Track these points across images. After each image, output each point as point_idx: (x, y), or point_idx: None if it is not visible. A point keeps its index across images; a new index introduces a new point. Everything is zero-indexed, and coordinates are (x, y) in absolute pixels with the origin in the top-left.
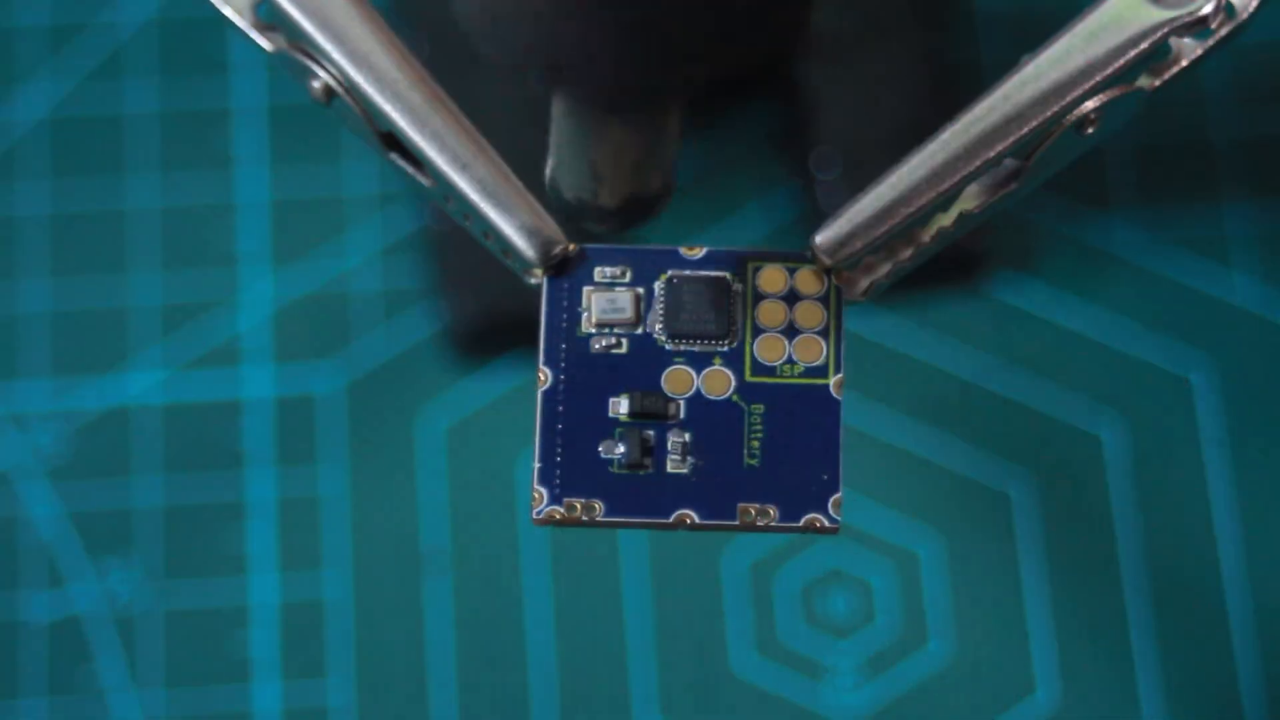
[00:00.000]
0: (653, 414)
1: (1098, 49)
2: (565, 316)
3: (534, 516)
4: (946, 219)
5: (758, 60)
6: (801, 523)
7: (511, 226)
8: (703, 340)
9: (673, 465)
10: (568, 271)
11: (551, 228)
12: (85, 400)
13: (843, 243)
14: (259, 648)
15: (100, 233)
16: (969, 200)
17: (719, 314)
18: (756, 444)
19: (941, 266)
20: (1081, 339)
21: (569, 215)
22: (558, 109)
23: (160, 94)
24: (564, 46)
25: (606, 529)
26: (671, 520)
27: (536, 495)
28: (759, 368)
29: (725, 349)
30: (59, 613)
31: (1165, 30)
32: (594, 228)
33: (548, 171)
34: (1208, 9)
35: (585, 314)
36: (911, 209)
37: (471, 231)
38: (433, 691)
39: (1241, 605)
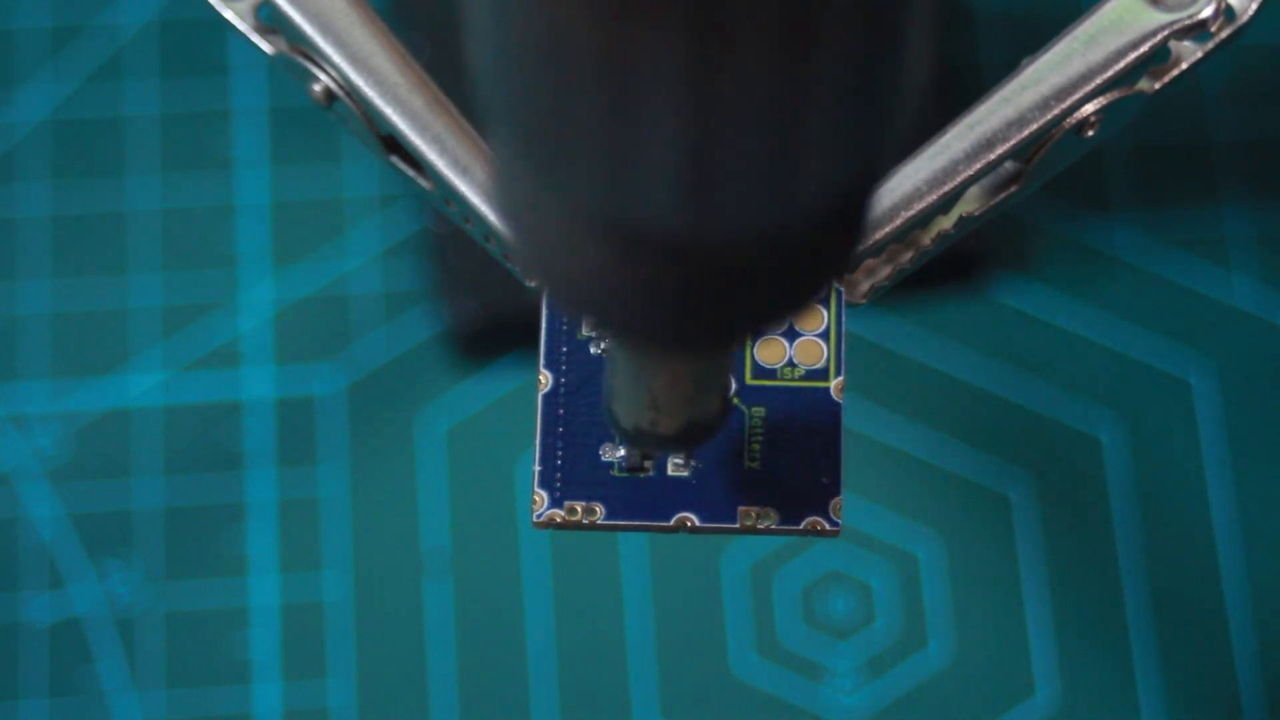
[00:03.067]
0: None
1: (1098, 52)
2: (566, 319)
3: (534, 520)
4: (947, 221)
5: (814, 297)
6: (802, 525)
7: None
8: None
9: (673, 468)
10: None
11: None
12: (85, 401)
13: None
14: (259, 649)
15: (100, 234)
16: (969, 203)
17: None
18: (757, 447)
19: (942, 268)
20: (1081, 340)
21: (630, 443)
22: (614, 344)
23: (160, 95)
24: (621, 303)
25: (607, 532)
26: (672, 523)
27: (537, 498)
28: (759, 370)
29: None
30: (59, 614)
31: (1165, 33)
32: (654, 453)
33: (604, 402)
34: (1207, 12)
35: None
36: (912, 212)
37: (472, 234)
38: (433, 692)
39: (1241, 605)
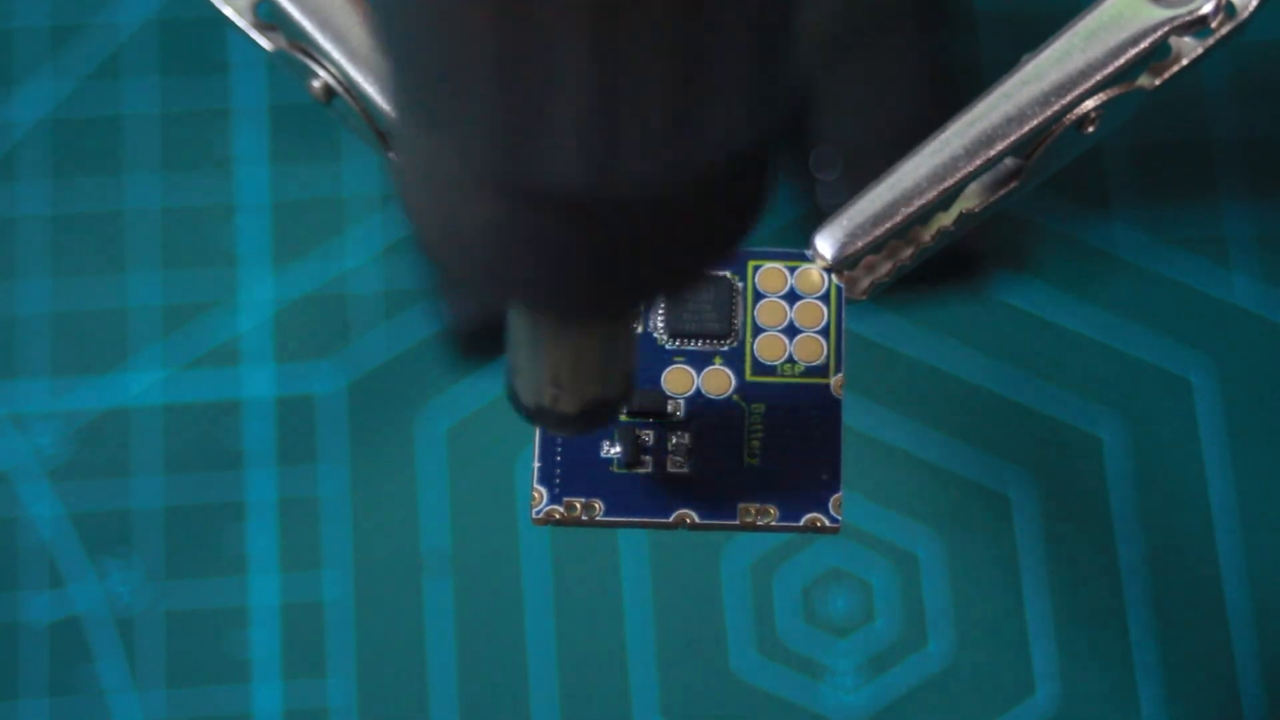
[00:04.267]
0: (652, 413)
1: (1098, 48)
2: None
3: (533, 516)
4: (947, 218)
5: (718, 260)
6: (802, 522)
7: None
8: (703, 339)
9: (673, 465)
10: None
11: None
12: (85, 400)
13: (843, 242)
14: (259, 648)
15: (100, 233)
16: (970, 199)
17: (720, 313)
18: (756, 443)
19: (942, 266)
20: (1082, 338)
21: (529, 420)
22: (512, 317)
23: (160, 94)
24: (516, 263)
25: (606, 529)
26: (671, 520)
27: (536, 495)
28: (759, 367)
29: (725, 348)
30: (59, 613)
31: (1165, 29)
32: (554, 432)
33: (505, 378)
34: (1208, 8)
35: None
36: (912, 208)
37: None
38: (433, 692)
39: (1241, 605)
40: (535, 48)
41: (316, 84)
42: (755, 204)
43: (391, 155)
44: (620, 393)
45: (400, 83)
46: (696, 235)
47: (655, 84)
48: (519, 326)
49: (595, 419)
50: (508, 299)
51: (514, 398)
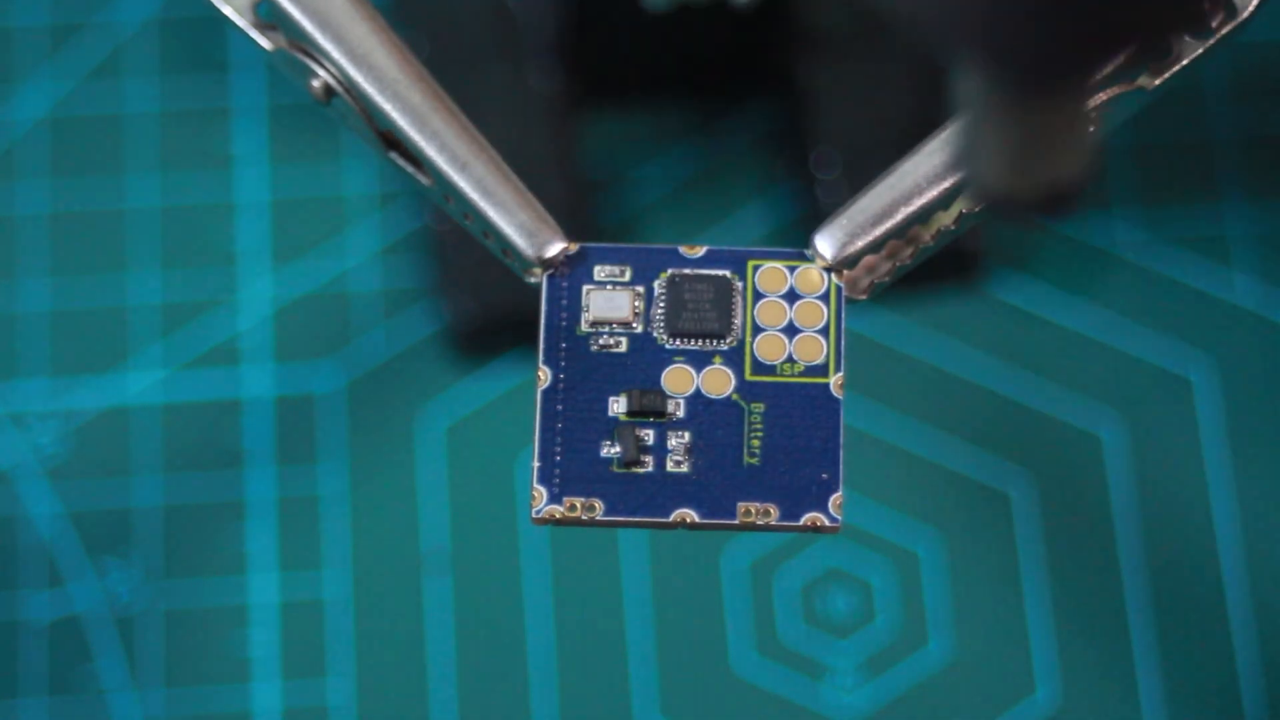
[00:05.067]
0: (652, 413)
1: None
2: (565, 315)
3: (533, 515)
4: (947, 218)
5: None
6: (802, 522)
7: (511, 225)
8: (703, 339)
9: (672, 464)
10: (567, 270)
11: (551, 226)
12: (85, 400)
13: (843, 241)
14: (259, 647)
15: (100, 232)
16: (970, 199)
17: (719, 312)
18: (756, 443)
19: (941, 266)
20: (1082, 338)
21: (997, 210)
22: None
23: (160, 93)
24: (998, 29)
25: (606, 528)
26: (671, 519)
27: (536, 494)
28: (759, 366)
29: (725, 348)
30: (59, 612)
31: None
32: (1019, 219)
33: (969, 164)
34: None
35: (585, 313)
36: (912, 208)
37: (471, 231)
38: (433, 691)
39: (1241, 605)
40: None
41: (316, 84)
42: None
43: None
44: (1085, 176)
45: None
46: None
47: None
48: (988, 108)
49: (1059, 201)
50: (989, 68)
51: (982, 186)
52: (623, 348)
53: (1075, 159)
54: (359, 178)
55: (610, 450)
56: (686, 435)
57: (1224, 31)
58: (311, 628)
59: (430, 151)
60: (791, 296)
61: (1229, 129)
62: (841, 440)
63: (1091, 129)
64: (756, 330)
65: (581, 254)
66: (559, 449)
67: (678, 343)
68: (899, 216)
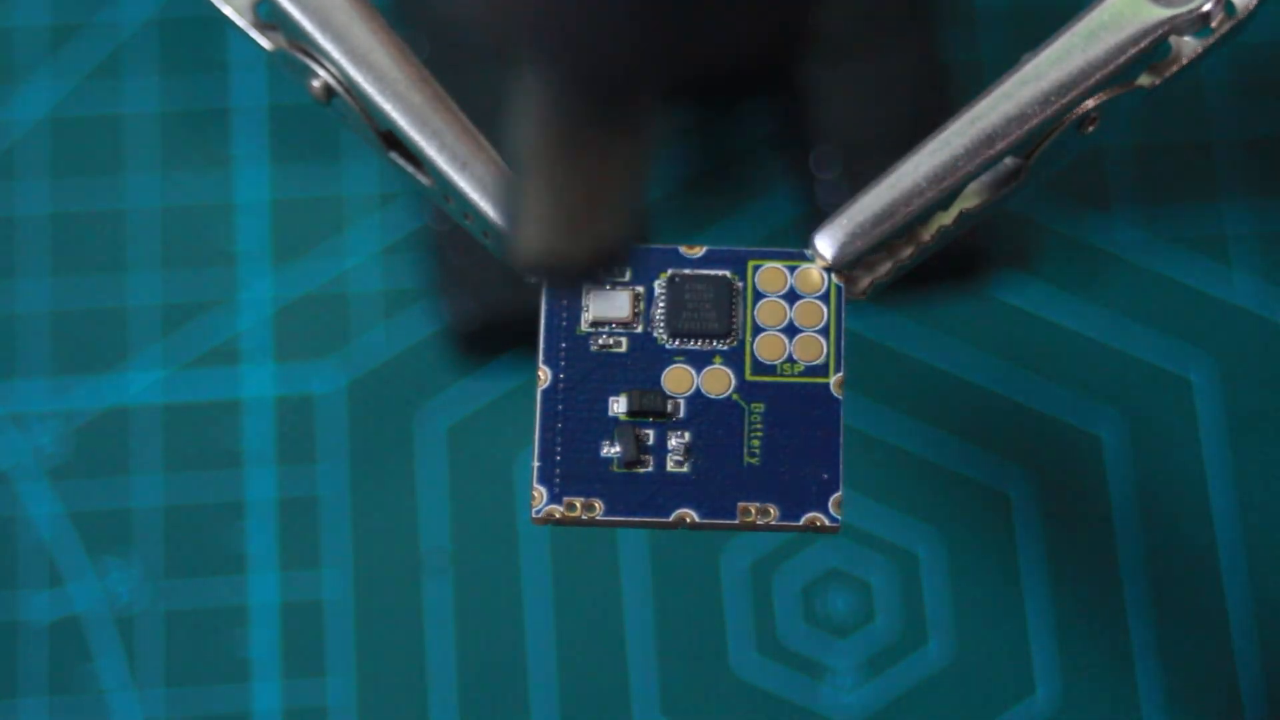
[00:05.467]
0: (652, 413)
1: (1098, 47)
2: (565, 315)
3: (533, 515)
4: (947, 217)
5: (761, 50)
6: (802, 522)
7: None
8: (703, 339)
9: (672, 464)
10: None
11: None
12: (85, 400)
13: (843, 241)
14: (259, 647)
15: (100, 232)
16: (970, 199)
17: (719, 312)
18: (757, 443)
19: (941, 266)
20: (1082, 337)
21: (532, 274)
22: (528, 134)
23: (160, 93)
24: (569, 19)
25: (606, 528)
26: (671, 519)
27: (536, 494)
28: (759, 366)
29: (725, 348)
30: (59, 612)
31: (1165, 28)
32: (558, 286)
33: (507, 229)
34: (1208, 7)
35: (585, 313)
36: (912, 208)
37: (471, 230)
38: (433, 691)
39: (1241, 605)
40: None
41: (316, 84)
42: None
43: None
44: (636, 233)
45: None
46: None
47: None
48: (536, 140)
49: (605, 264)
50: (547, 63)
51: (518, 247)
52: (623, 348)
53: (624, 216)
54: (359, 178)
55: (610, 450)
56: (686, 435)
57: (1224, 30)
58: (311, 628)
59: (430, 151)
60: (791, 296)
61: (1229, 129)
62: (841, 440)
63: (643, 181)
64: (756, 330)
65: None
66: (559, 449)
67: (678, 343)
68: (899, 217)
